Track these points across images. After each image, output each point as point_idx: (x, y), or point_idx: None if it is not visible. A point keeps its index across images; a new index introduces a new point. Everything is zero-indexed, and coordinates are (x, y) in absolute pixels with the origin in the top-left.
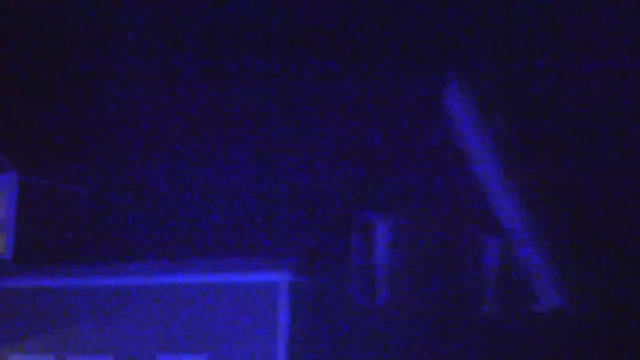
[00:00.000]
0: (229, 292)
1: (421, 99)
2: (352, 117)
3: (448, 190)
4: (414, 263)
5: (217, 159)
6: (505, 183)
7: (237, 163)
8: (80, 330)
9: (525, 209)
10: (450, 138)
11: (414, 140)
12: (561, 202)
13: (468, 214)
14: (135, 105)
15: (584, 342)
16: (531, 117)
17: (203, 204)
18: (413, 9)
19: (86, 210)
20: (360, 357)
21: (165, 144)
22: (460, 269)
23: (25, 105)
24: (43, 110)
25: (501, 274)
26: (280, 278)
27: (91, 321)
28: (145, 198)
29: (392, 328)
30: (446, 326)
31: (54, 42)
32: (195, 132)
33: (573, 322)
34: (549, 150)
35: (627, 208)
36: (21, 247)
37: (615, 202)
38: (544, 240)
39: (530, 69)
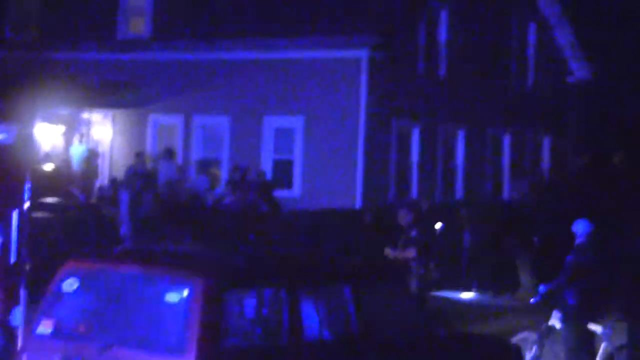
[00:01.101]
0: (321, 65)
1: None
2: None
3: None
4: (470, 42)
5: None
6: None
7: None
8: (205, 95)
9: None
10: None
11: None
12: None
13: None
14: None
15: (608, 105)
16: None
17: None
18: None
19: None
20: (417, 108)
21: None
22: (507, 48)
23: None
24: None
25: (541, 52)
26: (361, 54)
27: (213, 88)
28: None
29: (452, 95)
30: (489, 94)
31: None
32: None
33: (599, 89)
34: None
35: None
36: (158, 27)
37: None
38: (576, 23)
39: None
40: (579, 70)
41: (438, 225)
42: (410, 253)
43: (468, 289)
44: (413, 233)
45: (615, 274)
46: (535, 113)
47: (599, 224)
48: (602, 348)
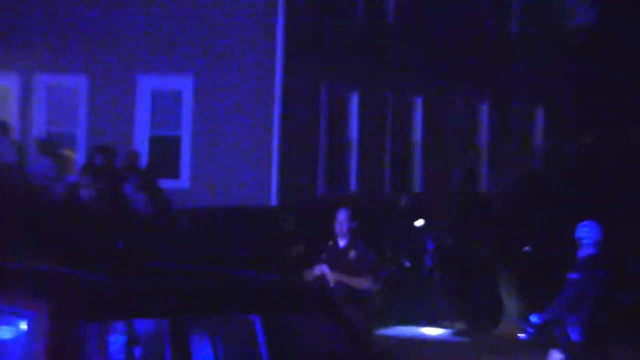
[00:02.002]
0: (220, 4)
1: None
2: None
3: None
4: None
5: None
6: None
7: None
8: (53, 48)
9: None
10: None
11: None
12: None
13: None
14: None
15: (622, 61)
16: None
17: None
18: None
19: None
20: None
21: None
22: None
23: None
24: None
25: None
26: None
27: (64, 37)
28: None
29: (406, 49)
30: (459, 47)
31: None
32: None
33: (611, 39)
34: None
35: None
36: None
37: None
38: None
39: None
40: (582, 12)
41: (419, 223)
42: (366, 281)
43: (431, 322)
44: (368, 256)
45: (634, 298)
46: (523, 73)
47: (612, 229)
48: None
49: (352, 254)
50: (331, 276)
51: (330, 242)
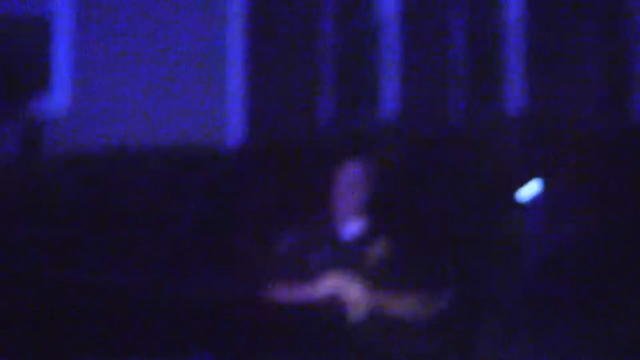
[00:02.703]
0: None
1: None
2: None
3: None
4: None
5: None
6: None
7: None
8: None
9: None
10: None
11: None
12: None
13: None
14: None
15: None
16: None
17: None
18: None
19: None
20: None
21: None
22: None
23: None
24: None
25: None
26: None
27: None
28: None
29: None
30: None
31: None
32: None
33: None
34: None
35: None
36: None
37: None
38: None
39: None
40: None
41: (532, 188)
42: (413, 304)
43: None
44: (402, 252)
45: None
46: None
47: None
48: None
49: (377, 249)
50: (362, 296)
51: (329, 228)
